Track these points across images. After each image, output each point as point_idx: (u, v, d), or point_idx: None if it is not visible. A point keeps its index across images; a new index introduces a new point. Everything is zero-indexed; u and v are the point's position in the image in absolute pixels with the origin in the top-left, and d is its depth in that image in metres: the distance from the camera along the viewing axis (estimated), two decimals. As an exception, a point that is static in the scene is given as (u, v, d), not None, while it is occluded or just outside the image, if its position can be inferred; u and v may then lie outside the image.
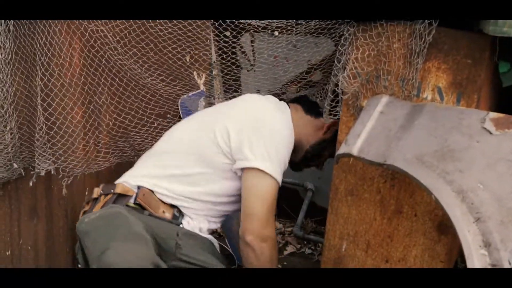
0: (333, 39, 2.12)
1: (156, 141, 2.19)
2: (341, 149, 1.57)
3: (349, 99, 1.72)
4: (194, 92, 2.61)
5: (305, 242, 2.88)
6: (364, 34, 1.66)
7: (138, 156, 2.24)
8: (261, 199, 1.83)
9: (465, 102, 1.55)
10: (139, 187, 1.93)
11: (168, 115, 2.32)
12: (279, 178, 1.85)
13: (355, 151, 1.53)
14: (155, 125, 2.26)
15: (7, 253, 2.38)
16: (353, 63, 1.67)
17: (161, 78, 2.20)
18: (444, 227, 1.63)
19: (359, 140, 1.55)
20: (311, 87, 2.92)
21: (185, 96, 2.59)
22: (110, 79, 2.09)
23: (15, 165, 2.17)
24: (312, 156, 2.06)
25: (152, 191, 1.92)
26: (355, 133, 1.57)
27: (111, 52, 2.05)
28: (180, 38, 2.21)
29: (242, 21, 2.35)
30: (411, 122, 1.50)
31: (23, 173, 2.19)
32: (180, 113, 2.58)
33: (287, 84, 2.82)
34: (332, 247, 1.85)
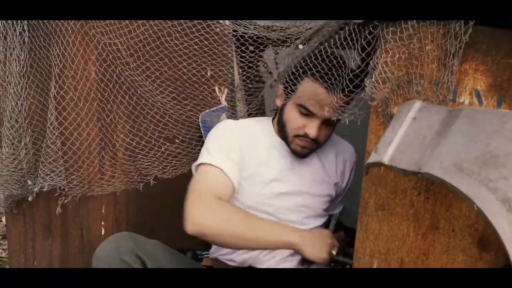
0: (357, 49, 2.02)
1: (162, 167, 2.14)
2: (371, 158, 1.45)
3: (378, 106, 1.60)
4: (214, 108, 2.51)
5: (332, 264, 2.74)
6: (393, 36, 1.54)
7: (143, 183, 2.13)
8: (190, 190, 1.73)
9: (507, 105, 1.42)
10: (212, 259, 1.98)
11: (177, 140, 2.22)
12: (211, 160, 1.76)
13: (386, 159, 1.41)
14: (162, 149, 2.16)
15: (21, 275, 2.29)
16: (382, 67, 1.55)
17: (172, 95, 2.10)
18: (485, 242, 1.49)
19: (390, 148, 1.43)
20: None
21: (206, 111, 2.49)
22: (120, 97, 2.01)
23: (29, 182, 2.09)
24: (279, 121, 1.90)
25: (217, 259, 1.96)
26: (386, 141, 1.45)
27: (122, 67, 1.98)
28: (196, 53, 2.12)
29: (262, 35, 2.27)
30: (447, 128, 1.38)
31: (37, 190, 2.11)
32: (201, 129, 2.48)
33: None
34: (362, 266, 1.72)
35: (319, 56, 1.64)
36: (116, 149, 2.05)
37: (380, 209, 1.67)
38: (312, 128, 1.77)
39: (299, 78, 1.75)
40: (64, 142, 1.97)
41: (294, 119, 1.80)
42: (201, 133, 2.49)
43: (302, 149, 1.85)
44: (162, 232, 2.36)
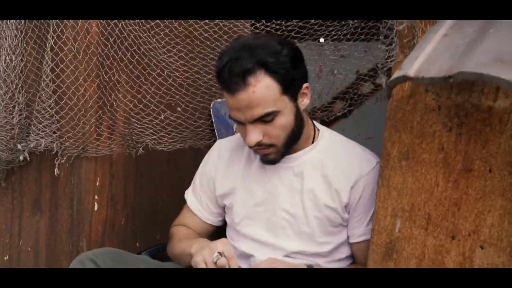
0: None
1: (158, 137, 1.98)
2: (394, 75, 1.27)
3: (403, 36, 1.43)
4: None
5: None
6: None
7: (136, 149, 1.95)
8: None
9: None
10: None
11: (178, 108, 2.03)
12: (187, 198, 1.83)
13: (411, 72, 1.23)
14: (162, 117, 1.98)
15: (5, 258, 2.09)
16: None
17: (180, 55, 1.94)
18: (529, 181, 1.26)
19: (416, 62, 1.24)
20: (360, 103, 2.63)
21: (218, 100, 2.33)
22: (120, 53, 1.86)
23: (19, 146, 1.92)
24: None
25: None
26: (412, 57, 1.27)
27: (127, 20, 1.84)
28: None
29: (283, 27, 2.13)
30: (483, 34, 1.19)
31: (28, 157, 1.94)
32: (212, 118, 2.32)
33: (333, 100, 2.55)
34: (383, 229, 1.49)
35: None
36: (113, 109, 1.88)
37: (404, 158, 1.45)
38: (247, 137, 1.55)
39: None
40: (61, 97, 1.81)
41: (239, 132, 1.63)
42: (212, 121, 2.33)
43: (264, 157, 1.62)
44: (160, 217, 2.17)
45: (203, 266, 1.45)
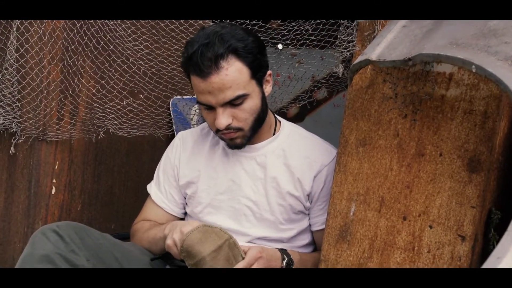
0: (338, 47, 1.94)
1: (119, 122, 1.98)
2: (357, 60, 1.34)
3: (364, 29, 1.52)
4: (187, 97, 2.41)
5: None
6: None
7: (97, 134, 1.97)
8: None
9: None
10: None
11: (141, 96, 2.06)
12: (151, 191, 1.82)
13: (373, 57, 1.30)
14: (124, 104, 2.00)
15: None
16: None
17: (145, 44, 1.98)
18: (476, 163, 1.36)
19: (378, 48, 1.32)
20: (316, 107, 2.71)
21: (177, 97, 2.38)
22: (86, 39, 1.88)
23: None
24: None
25: None
26: (374, 44, 1.35)
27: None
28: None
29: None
30: (439, 24, 1.29)
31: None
32: (171, 113, 2.36)
33: (289, 104, 2.62)
34: (338, 212, 1.56)
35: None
36: (76, 94, 1.90)
37: (361, 144, 1.53)
38: (217, 120, 1.58)
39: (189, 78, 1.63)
40: (24, 76, 1.81)
41: (206, 117, 1.65)
42: (171, 116, 2.37)
43: (231, 141, 1.66)
44: (116, 208, 2.18)
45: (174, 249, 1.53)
